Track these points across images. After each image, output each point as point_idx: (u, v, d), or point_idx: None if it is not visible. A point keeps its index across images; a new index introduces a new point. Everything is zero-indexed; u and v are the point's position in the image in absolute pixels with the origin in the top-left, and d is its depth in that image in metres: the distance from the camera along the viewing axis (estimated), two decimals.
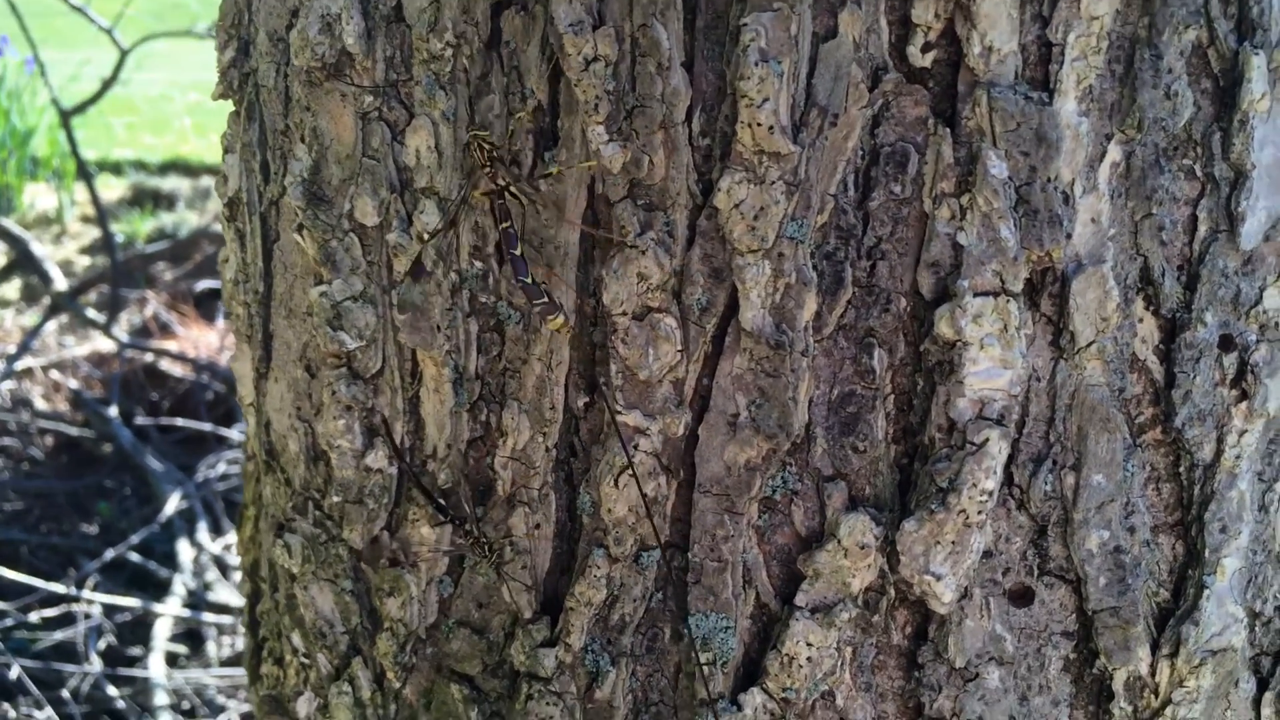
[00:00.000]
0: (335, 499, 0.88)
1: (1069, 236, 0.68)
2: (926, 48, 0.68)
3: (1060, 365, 0.71)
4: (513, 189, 0.73)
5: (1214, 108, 0.69)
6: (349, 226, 0.84)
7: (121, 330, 4.07)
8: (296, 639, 0.95)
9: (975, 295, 0.68)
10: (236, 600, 2.81)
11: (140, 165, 5.38)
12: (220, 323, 4.06)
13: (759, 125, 0.68)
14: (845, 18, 0.67)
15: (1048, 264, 0.69)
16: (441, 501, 0.83)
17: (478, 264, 0.80)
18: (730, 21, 0.69)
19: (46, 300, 4.24)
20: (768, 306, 0.71)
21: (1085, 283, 0.69)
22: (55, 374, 4.09)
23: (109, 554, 2.94)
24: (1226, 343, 0.71)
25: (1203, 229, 0.70)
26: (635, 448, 0.75)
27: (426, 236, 0.80)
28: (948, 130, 0.68)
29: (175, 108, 6.18)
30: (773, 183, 0.69)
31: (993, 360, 0.69)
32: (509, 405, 0.80)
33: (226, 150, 0.94)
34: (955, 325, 0.68)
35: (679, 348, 0.74)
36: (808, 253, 0.71)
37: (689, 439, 0.75)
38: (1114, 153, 0.68)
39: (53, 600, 2.77)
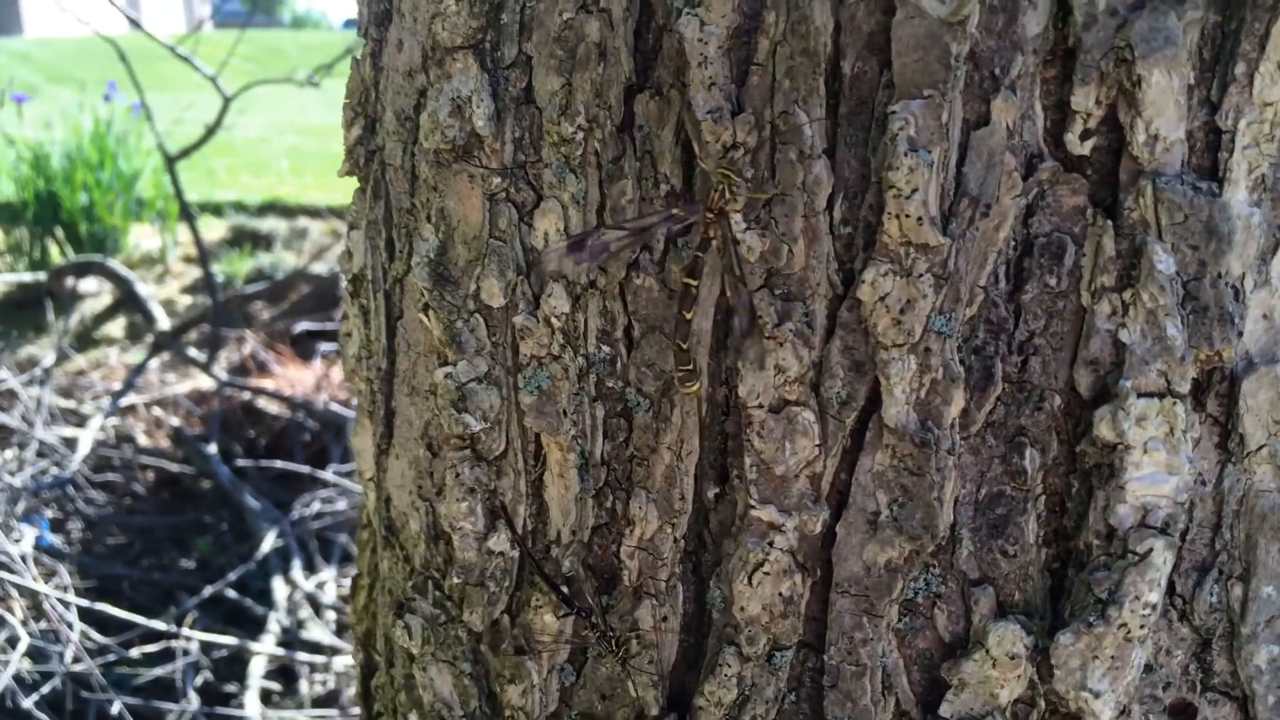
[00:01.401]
0: (456, 580, 0.87)
1: (1240, 335, 0.64)
2: (1086, 135, 0.64)
3: (1228, 469, 0.67)
4: (736, 236, 0.70)
5: None
6: (474, 307, 0.82)
7: (221, 368, 4.15)
8: (414, 718, 0.94)
9: (1139, 396, 0.64)
10: (329, 638, 2.83)
11: (240, 206, 5.51)
12: (316, 363, 4.13)
13: (907, 217, 0.65)
14: (999, 104, 0.64)
15: (1217, 364, 0.65)
16: (565, 590, 0.81)
17: (605, 348, 0.78)
18: (876, 108, 0.66)
19: (150, 338, 4.35)
20: (912, 402, 0.68)
21: (1257, 383, 0.65)
22: (157, 410, 4.19)
23: (207, 591, 2.98)
24: None
25: None
26: (770, 544, 0.72)
27: (554, 320, 0.79)
28: (1109, 222, 0.64)
29: (273, 150, 6.33)
30: (920, 275, 0.66)
31: (1157, 465, 0.65)
32: (636, 494, 0.78)
33: (351, 226, 0.94)
34: (1117, 427, 0.64)
35: (817, 442, 0.71)
36: (955, 347, 0.68)
37: (826, 536, 0.72)
38: None
39: (153, 636, 2.81)
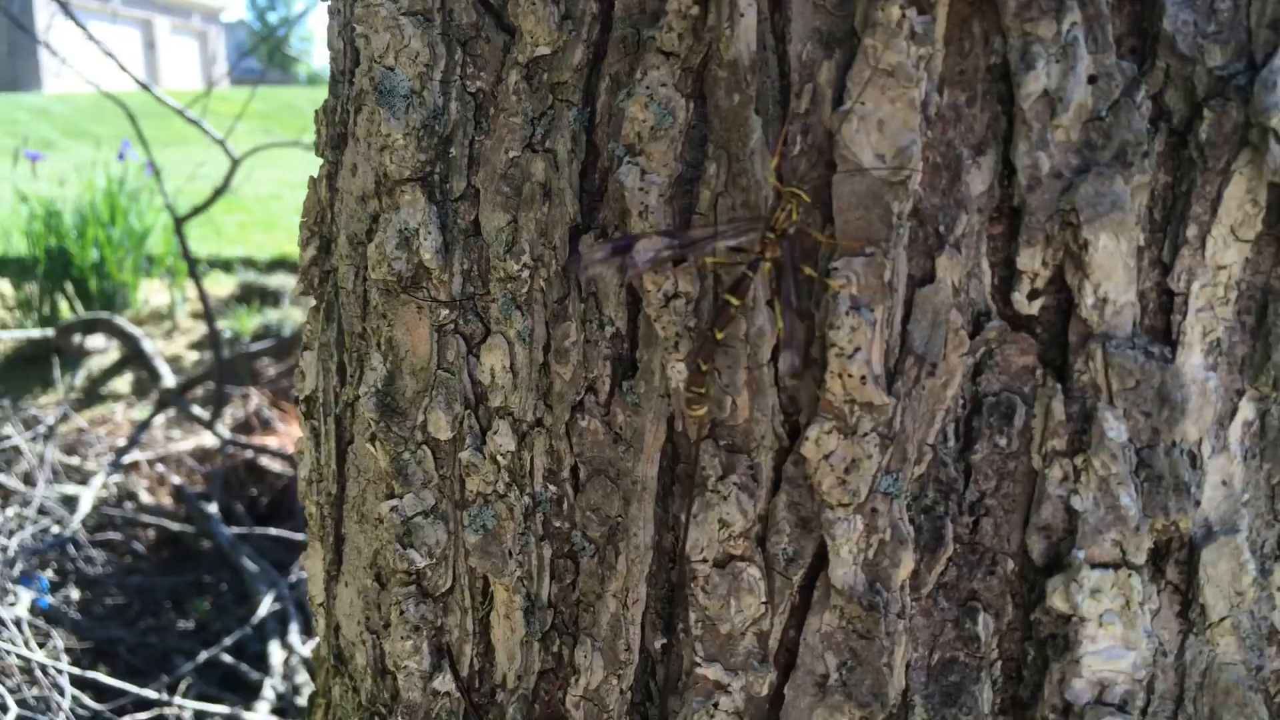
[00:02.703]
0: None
1: (1197, 504, 0.62)
2: (1033, 295, 0.62)
3: (1190, 640, 0.64)
4: (798, 264, 0.65)
5: None
6: (422, 439, 0.80)
7: (225, 425, 4.14)
8: None
9: (1093, 567, 0.61)
10: None
11: (249, 263, 5.52)
12: None
13: (850, 376, 0.63)
14: (944, 262, 0.62)
15: (1174, 533, 0.62)
16: None
17: (552, 488, 0.76)
18: (819, 263, 0.64)
19: (155, 395, 4.35)
20: (860, 563, 0.66)
21: (1217, 553, 0.62)
22: (161, 467, 4.18)
23: (203, 656, 2.95)
24: None
25: None
26: (715, 705, 0.70)
27: (500, 458, 0.77)
28: (1058, 384, 0.62)
29: (284, 206, 6.36)
30: (865, 434, 0.64)
31: (1113, 639, 0.62)
32: (582, 641, 0.75)
33: (305, 347, 0.92)
34: (1070, 599, 0.62)
35: (763, 599, 0.68)
36: (904, 507, 0.65)
37: (774, 698, 0.70)
38: (1246, 410, 0.62)
39: (146, 704, 2.78)
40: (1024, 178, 0.60)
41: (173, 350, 4.87)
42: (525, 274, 0.74)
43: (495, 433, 0.77)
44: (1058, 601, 0.62)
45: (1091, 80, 0.58)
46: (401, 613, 0.82)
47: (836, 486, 0.65)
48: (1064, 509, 0.63)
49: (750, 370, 0.66)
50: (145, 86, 3.50)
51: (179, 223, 3.82)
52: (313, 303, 0.92)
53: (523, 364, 0.75)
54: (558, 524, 0.76)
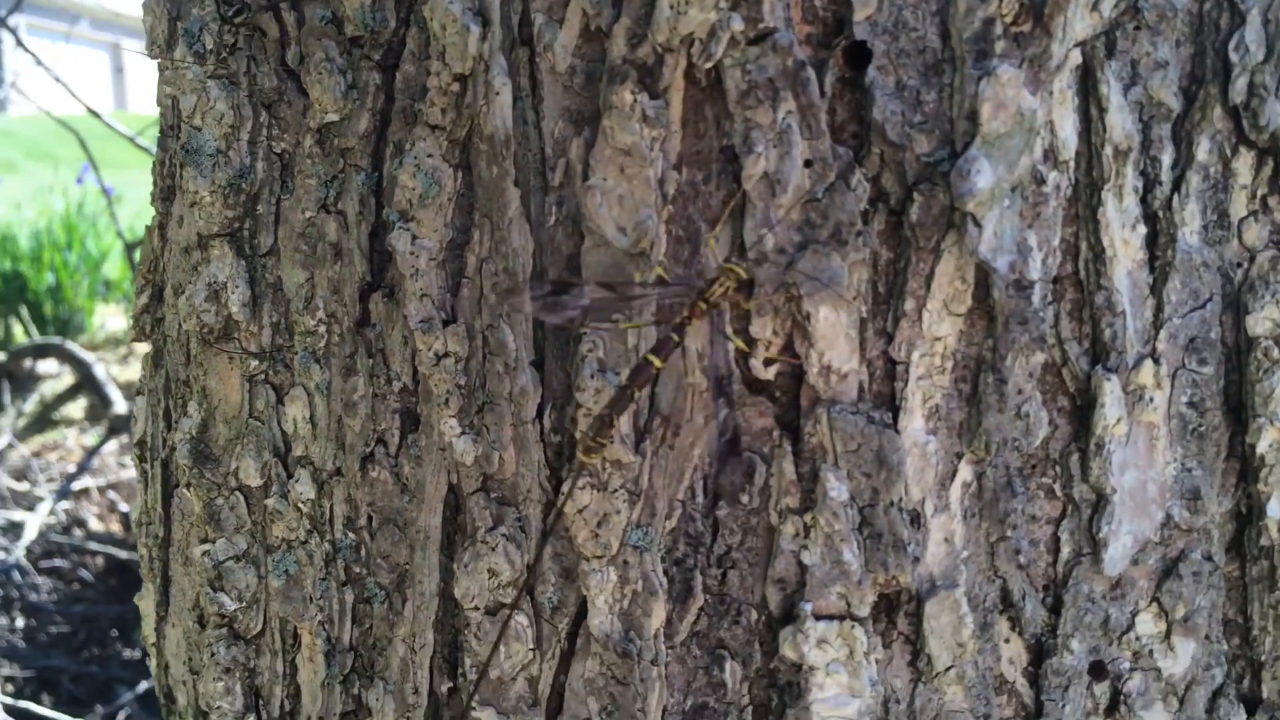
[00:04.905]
0: None
1: (916, 560, 0.65)
2: (769, 362, 0.66)
3: (920, 688, 0.67)
4: (727, 334, 0.65)
5: (1071, 426, 0.66)
6: (235, 485, 0.83)
7: None
8: None
9: (818, 619, 0.65)
10: None
11: None
12: None
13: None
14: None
15: (897, 587, 0.65)
16: None
17: (350, 535, 0.79)
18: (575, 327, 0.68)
19: (106, 422, 4.35)
20: (615, 613, 0.69)
21: (939, 606, 0.65)
22: (112, 494, 4.18)
23: (143, 686, 2.96)
24: (1098, 670, 0.67)
25: (1065, 550, 0.66)
26: None
27: (301, 505, 0.80)
28: (789, 446, 0.66)
29: None
30: (615, 490, 0.67)
31: (839, 686, 0.65)
32: (375, 684, 0.78)
33: (138, 392, 0.95)
34: (798, 649, 0.65)
35: (531, 646, 0.71)
36: (656, 560, 0.68)
37: None
38: (965, 472, 0.65)
39: None
40: (752, 253, 0.64)
41: (128, 376, 4.87)
42: (321, 329, 0.77)
43: (297, 481, 0.80)
44: (788, 651, 0.65)
45: (808, 164, 0.62)
46: (213, 654, 0.85)
47: (590, 539, 0.68)
48: (796, 563, 0.66)
49: (515, 427, 0.70)
50: (94, 113, 3.52)
51: (129, 249, 3.84)
52: (148, 348, 0.95)
53: (321, 415, 0.78)
54: (357, 570, 0.79)
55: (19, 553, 3.66)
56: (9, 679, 3.21)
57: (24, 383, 4.73)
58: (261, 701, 0.84)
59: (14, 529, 3.84)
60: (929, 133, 0.62)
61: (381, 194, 0.74)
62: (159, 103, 0.90)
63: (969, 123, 0.61)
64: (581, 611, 0.71)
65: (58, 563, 3.77)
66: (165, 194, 0.89)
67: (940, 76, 0.62)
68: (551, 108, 0.66)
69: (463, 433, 0.71)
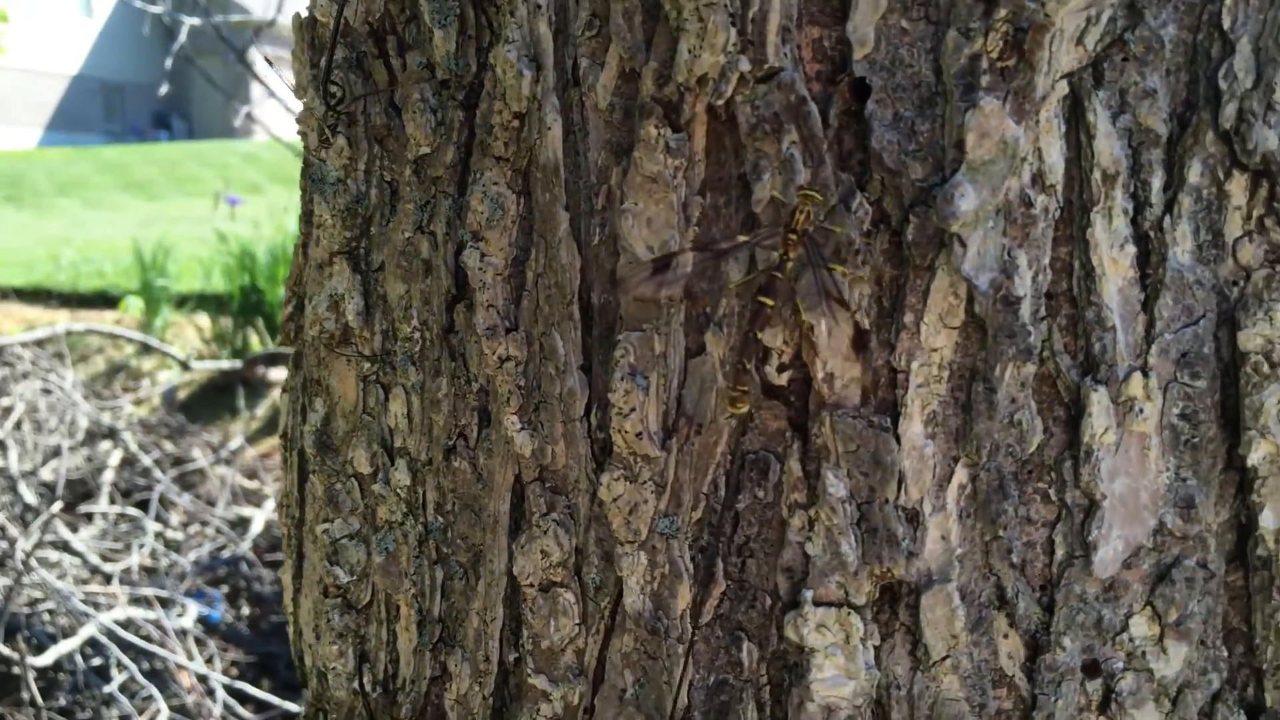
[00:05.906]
0: (333, 717, 0.98)
1: (912, 554, 0.70)
2: (781, 368, 0.72)
3: (918, 676, 0.72)
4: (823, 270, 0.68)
5: (1066, 435, 0.69)
6: (350, 472, 0.95)
7: None
8: None
9: (817, 605, 0.71)
10: None
11: None
12: None
13: (627, 431, 0.74)
14: (710, 337, 0.73)
15: (892, 579, 0.70)
16: None
17: (439, 518, 0.89)
18: (615, 334, 0.76)
19: None
20: (646, 593, 0.76)
21: (933, 599, 0.70)
22: None
23: None
24: (1091, 668, 0.70)
25: (1060, 553, 0.70)
26: (538, 712, 0.81)
27: (400, 491, 0.91)
28: (797, 445, 0.72)
29: None
30: (644, 481, 0.75)
31: (837, 669, 0.71)
32: (455, 651, 0.88)
33: (284, 390, 1.09)
34: (799, 632, 0.71)
35: (578, 621, 0.80)
36: (683, 546, 0.75)
37: (588, 707, 0.81)
38: (960, 475, 0.70)
39: (292, 717, 3.04)
40: (763, 274, 0.70)
41: None
42: (416, 335, 0.88)
43: (396, 469, 0.91)
44: (790, 633, 0.71)
45: None
46: (329, 621, 0.97)
47: (624, 525, 0.76)
48: (802, 554, 0.72)
49: (565, 424, 0.79)
50: (281, 141, 3.84)
51: None
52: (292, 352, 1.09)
53: (416, 411, 0.89)
54: (444, 550, 0.90)
55: (246, 545, 4.00)
56: (234, 663, 3.53)
57: (257, 388, 5.16)
58: (368, 665, 0.96)
59: (243, 524, 4.20)
60: (923, 160, 0.67)
61: (464, 217, 0.85)
62: (299, 136, 1.04)
63: (957, 150, 0.66)
64: (620, 591, 0.79)
65: (280, 556, 4.10)
66: (306, 217, 1.03)
67: (933, 108, 0.67)
68: (595, 140, 0.75)
69: (522, 428, 0.80)
